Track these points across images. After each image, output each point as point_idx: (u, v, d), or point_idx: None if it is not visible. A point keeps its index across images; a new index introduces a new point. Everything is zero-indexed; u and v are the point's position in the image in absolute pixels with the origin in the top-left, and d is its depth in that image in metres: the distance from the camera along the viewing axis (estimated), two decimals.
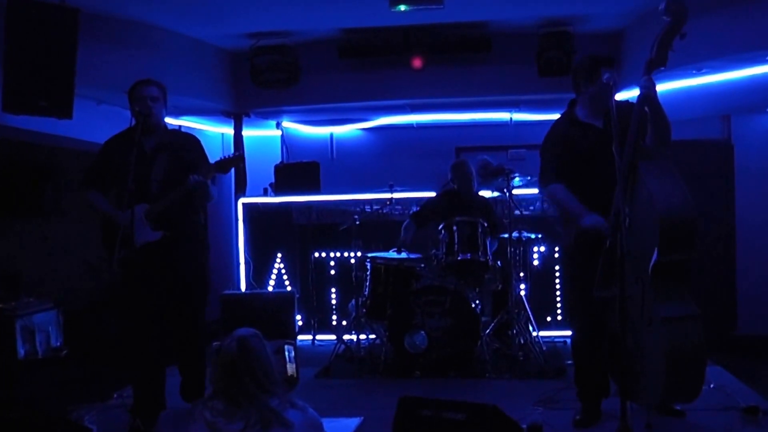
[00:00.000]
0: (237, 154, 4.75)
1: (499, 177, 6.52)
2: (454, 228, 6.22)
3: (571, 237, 4.44)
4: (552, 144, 4.53)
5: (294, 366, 5.38)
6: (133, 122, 4.60)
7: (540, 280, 7.39)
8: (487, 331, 6.30)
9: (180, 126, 7.90)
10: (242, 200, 8.01)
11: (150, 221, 4.61)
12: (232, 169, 6.68)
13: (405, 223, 6.82)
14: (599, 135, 4.29)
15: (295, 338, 7.25)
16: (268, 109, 7.86)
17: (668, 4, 3.88)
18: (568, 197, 4.37)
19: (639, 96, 4.07)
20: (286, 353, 5.29)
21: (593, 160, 4.30)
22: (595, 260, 4.19)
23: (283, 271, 7.91)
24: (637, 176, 4.05)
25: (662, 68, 4.01)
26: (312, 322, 7.68)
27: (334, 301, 7.81)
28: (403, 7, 6.03)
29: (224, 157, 4.68)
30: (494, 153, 7.45)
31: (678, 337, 3.91)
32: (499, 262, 6.46)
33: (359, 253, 6.73)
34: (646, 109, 4.09)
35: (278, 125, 8.70)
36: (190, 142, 4.94)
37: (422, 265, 6.52)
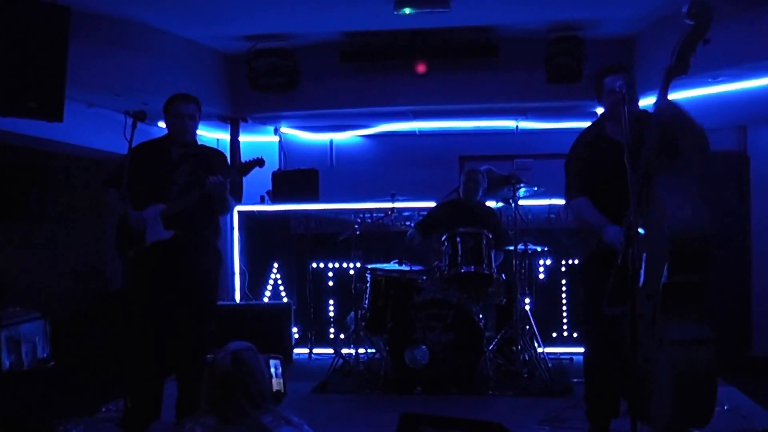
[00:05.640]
0: (258, 157, 4.70)
1: (504, 187, 6.46)
2: (458, 239, 6.15)
3: (586, 251, 4.36)
4: (576, 157, 4.44)
5: (281, 381, 5.44)
6: (165, 133, 4.71)
7: (546, 294, 7.29)
8: (491, 346, 6.23)
9: None
10: (238, 208, 7.88)
11: (164, 220, 4.52)
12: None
13: (410, 232, 6.71)
14: (622, 151, 4.08)
15: (292, 351, 7.27)
16: (265, 114, 7.76)
17: (691, 6, 3.62)
18: (591, 210, 4.28)
19: (651, 123, 3.89)
20: (273, 368, 5.34)
21: (616, 178, 4.12)
22: (610, 276, 4.05)
23: (280, 281, 7.81)
24: (652, 190, 3.90)
25: (684, 76, 3.80)
26: (309, 335, 7.60)
27: (332, 314, 7.71)
28: (408, 10, 5.93)
29: (245, 160, 4.64)
30: (499, 162, 7.31)
31: (687, 362, 3.72)
32: (503, 275, 6.40)
33: (359, 264, 6.69)
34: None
35: (276, 131, 8.62)
36: (217, 155, 4.97)
37: (424, 278, 6.44)
